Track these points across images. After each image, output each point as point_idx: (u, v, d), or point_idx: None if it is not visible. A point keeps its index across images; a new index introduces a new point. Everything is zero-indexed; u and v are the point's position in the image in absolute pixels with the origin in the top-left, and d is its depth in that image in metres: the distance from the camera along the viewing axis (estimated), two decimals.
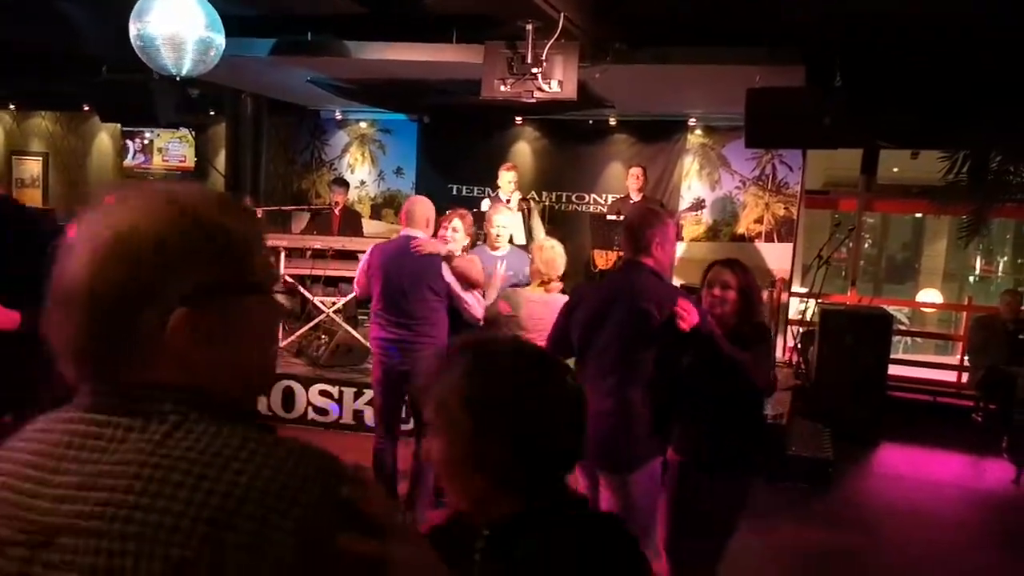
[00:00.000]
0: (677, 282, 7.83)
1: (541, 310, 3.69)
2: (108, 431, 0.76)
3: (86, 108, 9.64)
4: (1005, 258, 12.37)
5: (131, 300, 0.75)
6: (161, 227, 0.77)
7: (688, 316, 2.55)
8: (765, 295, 6.94)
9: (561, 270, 3.83)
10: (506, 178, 6.67)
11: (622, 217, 6.21)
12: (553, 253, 3.82)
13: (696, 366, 2.70)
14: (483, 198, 8.27)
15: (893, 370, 6.55)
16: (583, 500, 1.24)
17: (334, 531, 0.74)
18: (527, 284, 4.09)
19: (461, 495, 1.15)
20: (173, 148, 9.87)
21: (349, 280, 5.68)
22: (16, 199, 3.13)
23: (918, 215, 10.48)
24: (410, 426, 4.43)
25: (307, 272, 6.51)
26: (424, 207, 4.00)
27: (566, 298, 3.71)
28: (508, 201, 6.55)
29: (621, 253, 5.99)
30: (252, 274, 0.83)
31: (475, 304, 3.92)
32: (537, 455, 1.13)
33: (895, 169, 8.39)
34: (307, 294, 6.65)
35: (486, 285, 4.05)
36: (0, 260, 2.76)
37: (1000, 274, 11.95)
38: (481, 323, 3.94)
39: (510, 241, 4.61)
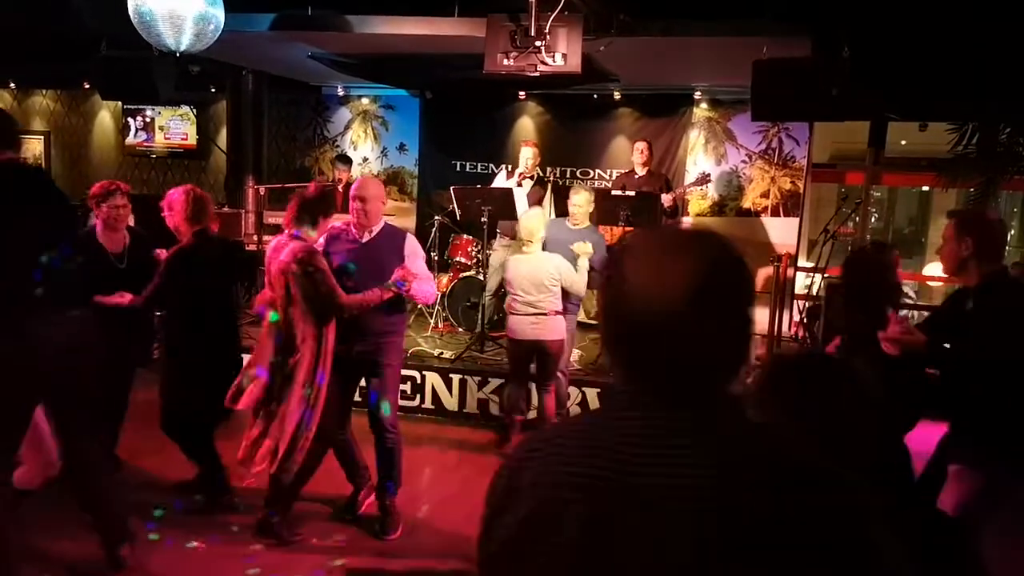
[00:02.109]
0: None
1: (520, 268, 4.58)
2: (687, 424, 0.94)
3: (87, 86, 9.59)
4: (1012, 231, 12.28)
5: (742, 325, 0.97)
6: (740, 273, 0.98)
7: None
8: (770, 270, 6.92)
9: (536, 234, 4.56)
10: (525, 155, 6.63)
11: (627, 192, 6.16)
12: (528, 221, 4.61)
13: None
14: (487, 173, 8.23)
15: None
16: None
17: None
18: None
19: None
20: (174, 126, 9.82)
21: None
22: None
23: (925, 188, 10.39)
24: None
25: None
26: None
27: (547, 256, 4.59)
28: (521, 177, 6.52)
29: (627, 229, 5.96)
30: None
31: None
32: None
33: (903, 142, 8.30)
34: None
35: None
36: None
37: (1008, 247, 11.88)
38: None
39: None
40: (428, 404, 5.65)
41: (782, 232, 7.69)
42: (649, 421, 0.94)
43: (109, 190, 3.97)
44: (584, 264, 4.73)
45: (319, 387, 3.43)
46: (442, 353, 5.93)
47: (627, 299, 0.95)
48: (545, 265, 4.56)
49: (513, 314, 4.63)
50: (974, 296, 2.69)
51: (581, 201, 5.09)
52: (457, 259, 6.89)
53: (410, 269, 3.62)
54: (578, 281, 4.64)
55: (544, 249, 4.69)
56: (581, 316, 5.46)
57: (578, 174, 8.31)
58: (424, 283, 3.74)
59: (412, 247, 3.77)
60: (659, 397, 0.96)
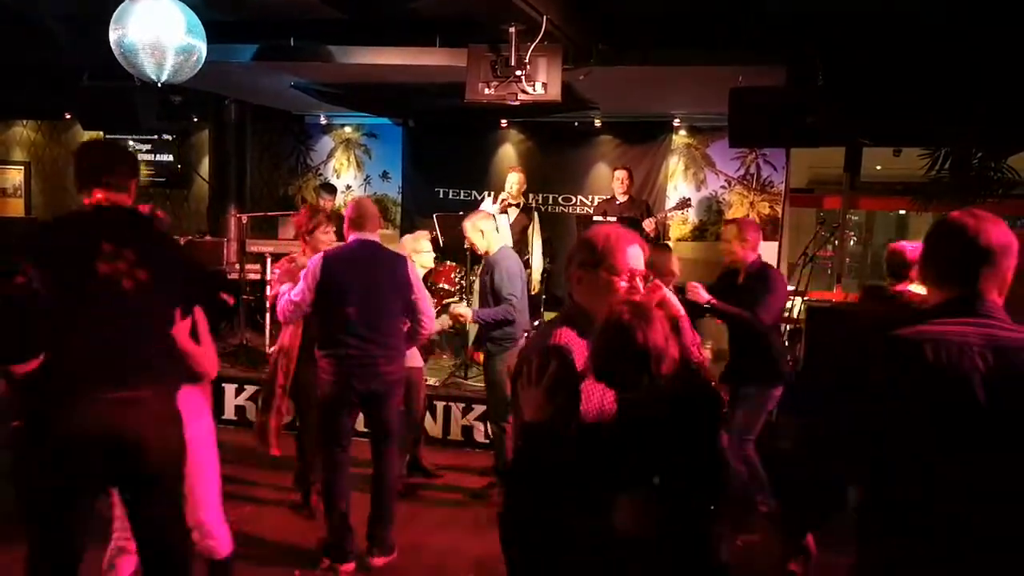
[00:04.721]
0: None
1: None
2: None
3: (67, 116, 9.57)
4: None
5: None
6: None
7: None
8: None
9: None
10: (511, 180, 6.69)
11: (609, 218, 6.22)
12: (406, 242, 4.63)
13: None
14: (470, 200, 8.28)
15: None
16: None
17: None
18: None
19: None
20: (156, 155, 9.80)
21: None
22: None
23: (902, 212, 10.55)
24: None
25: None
26: (375, 209, 3.88)
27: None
28: (505, 204, 6.58)
29: None
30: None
31: (433, 317, 3.91)
32: None
33: (878, 167, 8.45)
34: None
35: None
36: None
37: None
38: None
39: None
40: None
41: (762, 256, 7.76)
42: None
43: None
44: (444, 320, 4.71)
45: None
46: (426, 380, 5.91)
47: None
48: None
49: None
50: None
51: (467, 233, 4.58)
52: (441, 285, 6.89)
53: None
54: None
55: None
56: None
57: (560, 200, 8.38)
58: None
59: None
60: None
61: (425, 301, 3.90)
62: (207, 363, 2.73)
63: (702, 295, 4.03)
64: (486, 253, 4.53)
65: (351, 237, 3.74)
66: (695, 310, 3.82)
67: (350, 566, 3.69)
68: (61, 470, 2.28)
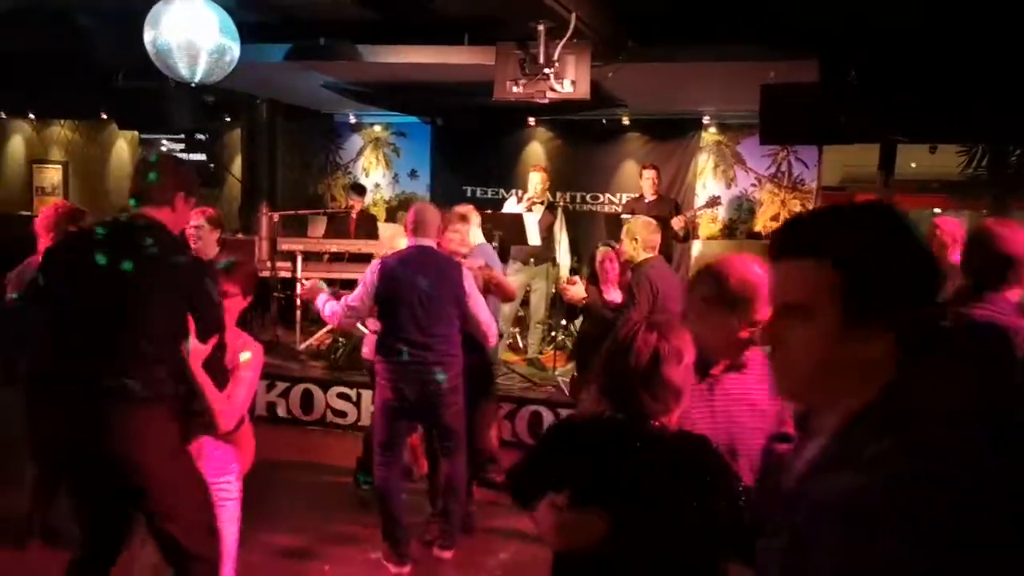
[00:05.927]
0: None
1: None
2: None
3: (104, 116, 9.74)
4: None
5: None
6: None
7: None
8: None
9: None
10: (533, 180, 6.69)
11: (638, 216, 6.17)
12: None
13: None
14: (498, 198, 8.29)
15: None
16: None
17: None
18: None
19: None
20: (190, 154, 9.94)
21: None
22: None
23: (936, 210, 10.37)
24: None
25: (324, 275, 6.54)
26: (436, 214, 3.77)
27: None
28: (531, 202, 6.57)
29: None
30: None
31: (492, 323, 3.82)
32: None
33: (913, 164, 8.29)
34: None
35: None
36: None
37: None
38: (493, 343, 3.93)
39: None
40: None
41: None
42: None
43: None
44: None
45: None
46: None
47: None
48: None
49: None
50: None
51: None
52: None
53: None
54: None
55: None
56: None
57: (588, 199, 8.36)
58: None
59: None
60: None
61: (482, 311, 3.73)
62: (223, 416, 2.48)
63: (578, 293, 4.26)
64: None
65: (410, 242, 3.71)
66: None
67: (405, 569, 3.63)
68: (47, 458, 2.58)
